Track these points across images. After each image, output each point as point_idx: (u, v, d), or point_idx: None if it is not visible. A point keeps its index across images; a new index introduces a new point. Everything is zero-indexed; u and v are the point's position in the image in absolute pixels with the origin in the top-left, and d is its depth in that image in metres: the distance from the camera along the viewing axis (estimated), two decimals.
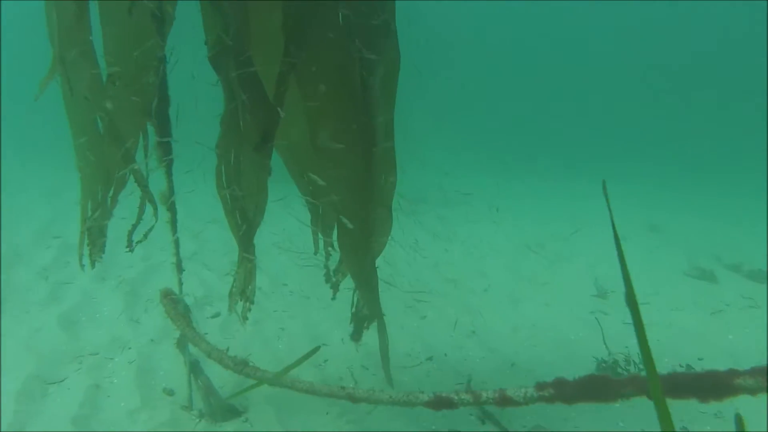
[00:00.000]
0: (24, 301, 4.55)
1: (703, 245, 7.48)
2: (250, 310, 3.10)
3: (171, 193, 2.97)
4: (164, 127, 2.85)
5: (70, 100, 2.87)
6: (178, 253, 3.15)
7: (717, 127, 18.79)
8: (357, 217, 2.84)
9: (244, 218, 2.90)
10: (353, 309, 3.34)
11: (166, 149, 2.87)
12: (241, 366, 2.99)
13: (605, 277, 5.95)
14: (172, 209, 3.03)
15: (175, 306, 3.16)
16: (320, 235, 3.41)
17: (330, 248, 3.50)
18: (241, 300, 3.08)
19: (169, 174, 2.92)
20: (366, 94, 2.72)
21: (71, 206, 7.40)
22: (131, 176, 2.97)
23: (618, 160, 14.59)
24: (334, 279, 3.42)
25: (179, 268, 3.16)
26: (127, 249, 3.19)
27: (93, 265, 3.16)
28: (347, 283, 3.27)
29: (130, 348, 3.92)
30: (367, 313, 3.34)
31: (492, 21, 27.26)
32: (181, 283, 3.16)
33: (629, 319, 4.86)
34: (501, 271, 6.19)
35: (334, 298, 3.37)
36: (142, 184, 2.98)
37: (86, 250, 3.13)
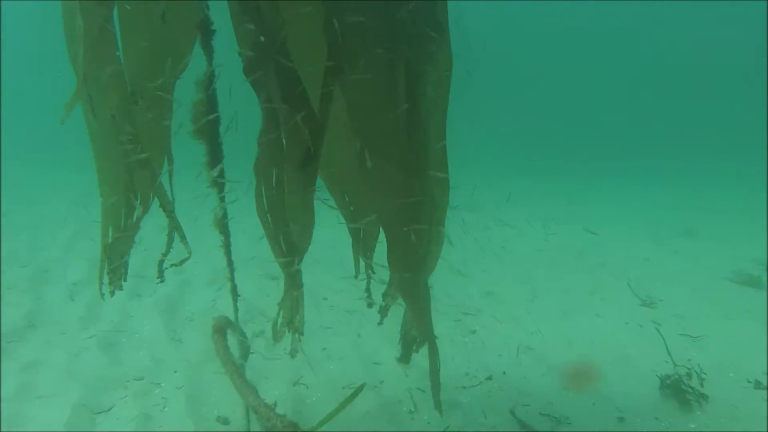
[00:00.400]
0: (58, 322, 4.38)
1: (742, 249, 7.28)
2: (299, 341, 2.89)
3: (224, 215, 2.79)
4: (215, 148, 2.66)
5: (93, 121, 2.65)
6: (233, 279, 2.96)
7: (746, 123, 18.54)
8: (407, 237, 2.64)
9: (289, 243, 2.68)
10: (402, 330, 3.15)
11: (218, 170, 2.68)
12: (291, 428, 2.72)
13: (641, 282, 5.79)
14: (225, 232, 2.84)
15: (226, 346, 2.94)
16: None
17: (371, 271, 3.33)
18: (288, 331, 2.87)
19: (220, 196, 2.73)
20: (414, 106, 2.52)
21: (97, 217, 7.25)
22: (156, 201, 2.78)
23: (639, 158, 14.41)
24: (383, 302, 3.20)
25: (235, 297, 2.97)
26: (158, 280, 2.99)
27: (112, 294, 2.91)
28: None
29: (175, 372, 3.74)
30: (416, 335, 3.14)
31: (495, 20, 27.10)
32: (237, 315, 2.97)
33: (685, 329, 4.74)
34: (542, 279, 6.00)
35: (381, 324, 3.15)
36: (168, 209, 2.79)
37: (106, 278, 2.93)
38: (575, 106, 21.68)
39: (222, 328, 2.93)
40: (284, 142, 2.46)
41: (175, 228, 2.84)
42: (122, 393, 3.48)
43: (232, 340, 3.12)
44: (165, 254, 2.94)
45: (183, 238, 2.87)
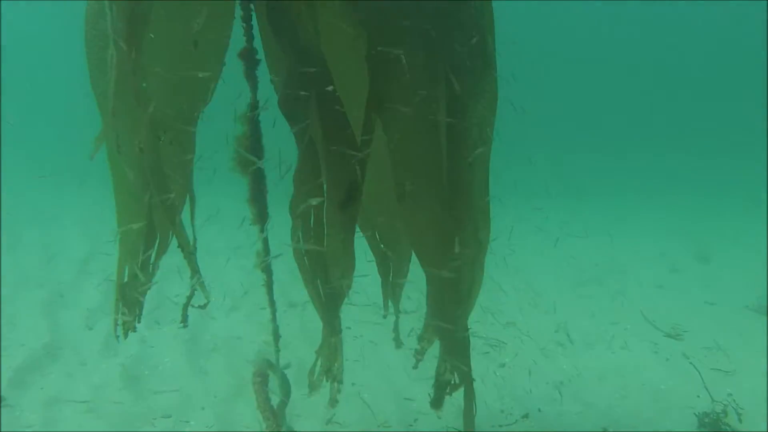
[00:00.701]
0: (78, 352, 4.27)
1: (756, 275, 7.20)
2: (339, 391, 2.75)
3: (266, 253, 2.68)
4: (259, 184, 2.56)
5: (116, 155, 2.47)
6: (275, 320, 2.85)
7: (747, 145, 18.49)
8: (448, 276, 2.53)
9: (327, 288, 2.51)
10: (436, 373, 2.98)
11: (260, 206, 2.57)
12: None
13: (660, 310, 5.75)
14: (268, 271, 2.74)
15: (268, 397, 2.82)
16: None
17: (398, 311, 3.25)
18: (327, 380, 2.73)
19: (263, 233, 2.62)
20: (458, 140, 2.42)
21: (108, 239, 7.14)
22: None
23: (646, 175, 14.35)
24: (419, 345, 3.06)
25: (276, 338, 2.87)
26: (182, 324, 2.89)
27: (126, 336, 2.76)
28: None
29: (203, 408, 3.63)
30: (450, 378, 2.98)
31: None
32: (278, 354, 2.87)
33: (714, 363, 4.65)
34: (562, 307, 5.91)
35: (416, 368, 3.02)
36: (186, 250, 2.68)
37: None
38: (576, 117, 21.65)
39: (263, 371, 2.81)
40: (324, 179, 2.36)
41: (192, 270, 2.72)
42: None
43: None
44: (190, 298, 2.84)
45: (200, 281, 2.76)
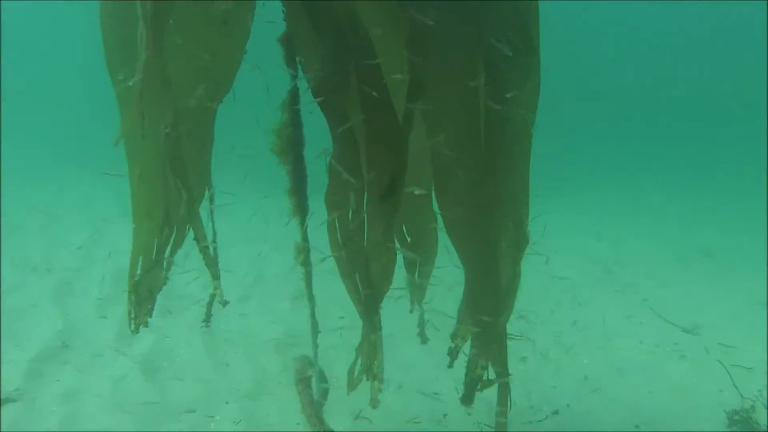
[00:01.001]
0: (92, 342, 4.15)
1: (763, 269, 7.19)
2: (380, 390, 2.65)
3: (306, 245, 2.58)
4: (299, 173, 2.46)
5: (139, 141, 2.33)
6: (314, 315, 2.75)
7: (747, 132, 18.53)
8: (487, 273, 2.45)
9: (367, 283, 2.41)
10: (467, 368, 2.90)
11: (300, 197, 2.47)
12: None
13: (672, 304, 5.72)
14: (307, 264, 2.63)
15: (312, 397, 2.73)
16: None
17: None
18: (367, 379, 2.64)
19: (303, 226, 2.53)
20: (498, 129, 2.32)
21: (109, 223, 7.01)
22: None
23: (648, 170, 14.35)
24: (453, 343, 2.97)
25: (315, 331, 2.77)
26: (203, 324, 2.84)
27: (137, 330, 2.67)
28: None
29: (227, 402, 3.54)
30: (481, 374, 2.90)
31: None
32: (317, 352, 2.78)
33: (738, 359, 4.61)
34: (575, 300, 5.86)
35: (451, 366, 2.93)
36: (203, 243, 2.58)
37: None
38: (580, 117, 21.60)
39: (305, 373, 2.71)
40: (364, 169, 2.26)
41: (208, 265, 2.64)
42: (176, 427, 3.28)
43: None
44: (213, 297, 2.77)
45: (216, 276, 2.68)
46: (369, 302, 2.45)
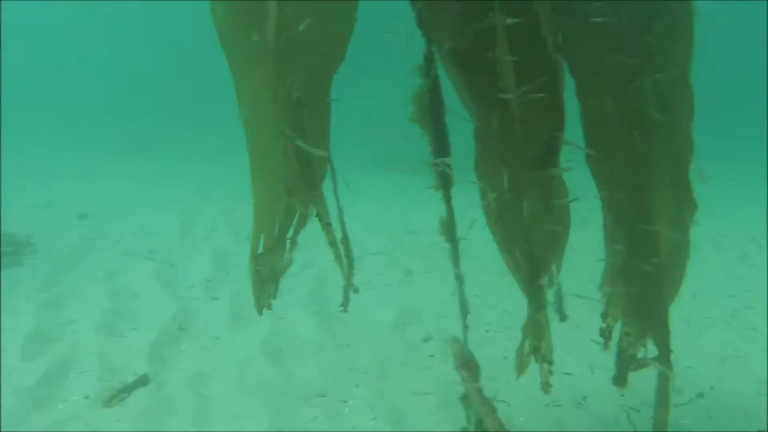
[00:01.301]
0: (208, 325, 4.10)
1: None
2: (551, 373, 2.47)
3: (452, 222, 2.41)
4: (442, 141, 2.29)
5: (259, 108, 2.28)
6: (462, 293, 2.58)
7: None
8: (646, 239, 2.24)
9: (529, 258, 2.24)
10: (618, 346, 2.71)
11: (443, 171, 2.30)
12: None
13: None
14: (453, 240, 2.46)
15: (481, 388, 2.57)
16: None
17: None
18: (537, 361, 2.46)
19: (447, 200, 2.36)
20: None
21: (201, 197, 6.99)
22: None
23: None
24: (605, 323, 2.77)
25: (465, 311, 2.60)
26: (341, 308, 2.71)
27: (260, 312, 2.59)
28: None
29: (357, 386, 3.42)
30: (635, 352, 2.69)
31: None
32: (466, 334, 2.62)
33: None
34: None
35: (607, 349, 2.73)
36: (325, 220, 2.43)
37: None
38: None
39: (468, 358, 2.55)
40: (515, 132, 2.06)
41: (331, 244, 2.49)
42: (311, 413, 3.17)
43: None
44: (349, 279, 2.62)
45: (348, 254, 2.56)
46: (532, 278, 2.28)
